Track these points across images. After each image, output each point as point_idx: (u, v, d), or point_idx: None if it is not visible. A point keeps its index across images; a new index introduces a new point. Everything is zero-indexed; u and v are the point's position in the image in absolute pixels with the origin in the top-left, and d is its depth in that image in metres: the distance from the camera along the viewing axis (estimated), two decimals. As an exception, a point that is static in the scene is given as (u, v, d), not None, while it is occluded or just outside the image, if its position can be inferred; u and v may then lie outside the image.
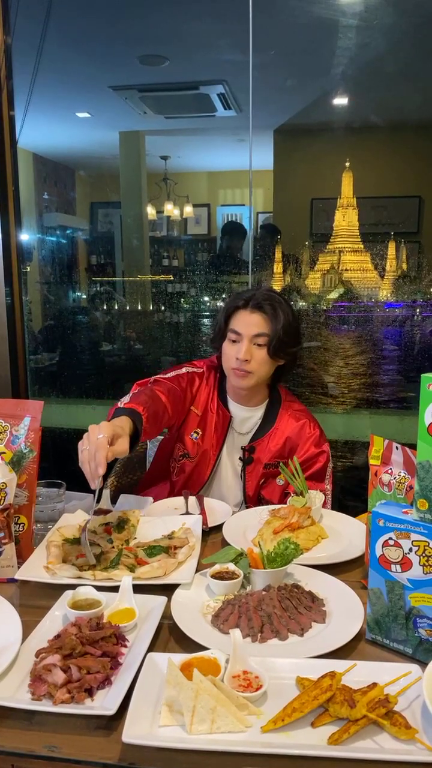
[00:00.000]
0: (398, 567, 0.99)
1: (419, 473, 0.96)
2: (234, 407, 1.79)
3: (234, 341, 1.69)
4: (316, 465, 1.70)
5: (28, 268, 3.43)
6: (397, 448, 1.17)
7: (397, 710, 0.84)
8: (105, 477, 1.33)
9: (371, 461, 1.20)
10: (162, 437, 1.90)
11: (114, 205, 4.23)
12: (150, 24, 2.89)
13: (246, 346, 1.65)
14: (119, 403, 1.56)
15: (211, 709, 0.82)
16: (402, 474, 1.15)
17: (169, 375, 1.78)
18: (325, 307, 3.42)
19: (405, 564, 0.98)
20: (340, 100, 3.21)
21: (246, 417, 1.78)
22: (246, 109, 2.90)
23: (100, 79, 3.38)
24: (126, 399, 1.58)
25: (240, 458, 1.77)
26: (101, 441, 1.29)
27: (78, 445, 1.32)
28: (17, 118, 2.58)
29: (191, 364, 1.87)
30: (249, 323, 1.67)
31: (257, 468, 1.75)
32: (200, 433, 1.79)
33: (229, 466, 1.80)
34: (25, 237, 3.19)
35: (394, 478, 1.16)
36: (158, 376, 1.77)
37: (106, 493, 1.53)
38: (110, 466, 1.34)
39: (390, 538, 0.99)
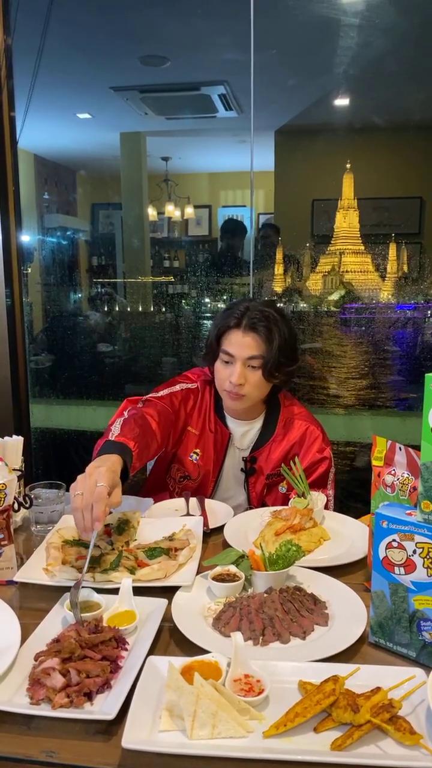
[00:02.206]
0: (402, 569, 0.97)
1: (423, 474, 0.95)
2: (232, 423, 1.74)
3: (227, 362, 1.61)
4: (318, 470, 1.67)
5: (29, 270, 3.43)
6: (400, 449, 1.15)
7: (401, 715, 0.83)
8: None
9: (374, 462, 1.19)
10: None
11: (115, 206, 4.22)
12: (151, 24, 2.88)
13: (239, 369, 1.57)
14: (110, 434, 1.43)
15: (212, 714, 0.81)
16: (405, 475, 1.14)
17: (161, 393, 1.70)
18: (326, 309, 3.41)
19: (409, 566, 0.97)
20: (342, 100, 3.20)
21: (245, 431, 1.74)
22: (246, 110, 2.89)
23: (100, 80, 3.37)
24: (116, 429, 1.45)
25: (242, 469, 1.74)
26: (101, 492, 1.17)
27: (70, 487, 1.21)
28: (17, 118, 2.57)
29: (185, 377, 1.80)
30: (242, 345, 1.58)
31: (260, 479, 1.72)
32: (200, 453, 1.73)
33: (232, 480, 1.76)
34: (26, 238, 3.18)
35: (398, 479, 1.15)
36: (150, 395, 1.69)
37: None
38: None
39: (393, 540, 0.97)
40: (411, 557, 0.96)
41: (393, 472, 1.16)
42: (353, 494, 2.61)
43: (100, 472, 1.20)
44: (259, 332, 1.58)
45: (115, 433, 1.42)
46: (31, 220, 3.79)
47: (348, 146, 3.29)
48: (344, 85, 3.06)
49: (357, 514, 1.52)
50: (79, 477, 1.22)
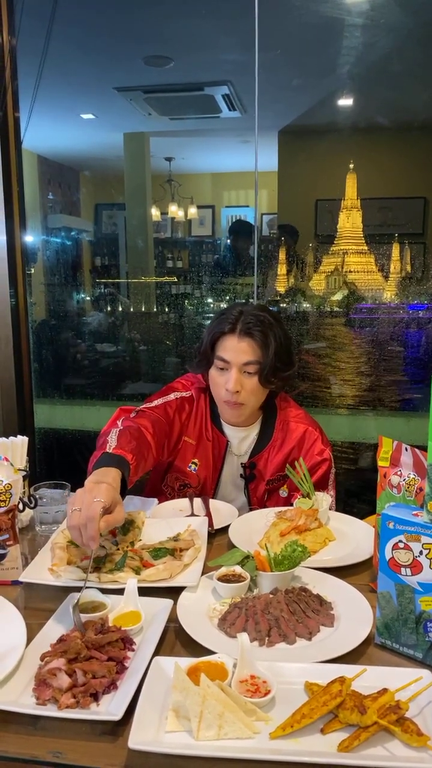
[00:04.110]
0: (408, 570, 0.97)
1: (430, 475, 0.95)
2: (229, 430, 1.71)
3: (222, 369, 1.58)
4: (318, 472, 1.66)
5: (32, 270, 3.43)
6: (406, 449, 1.15)
7: (408, 717, 0.82)
8: None
9: (380, 463, 1.19)
10: None
11: (118, 206, 4.23)
12: (154, 25, 2.89)
13: (235, 375, 1.55)
14: (107, 446, 1.37)
15: (218, 715, 0.81)
16: (411, 476, 1.13)
17: (155, 403, 1.67)
18: (329, 309, 3.41)
19: (415, 567, 0.96)
20: (346, 100, 3.20)
21: (242, 437, 1.71)
22: (250, 110, 2.89)
23: (104, 81, 3.37)
24: (113, 441, 1.38)
25: (241, 475, 1.72)
26: (94, 510, 1.12)
27: (68, 501, 1.17)
28: (22, 119, 2.58)
29: (179, 384, 1.77)
30: (238, 351, 1.55)
31: (260, 484, 1.70)
32: (198, 463, 1.71)
33: (230, 486, 1.75)
34: (30, 238, 3.18)
35: (404, 480, 1.14)
36: (144, 405, 1.66)
37: None
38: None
39: (400, 541, 0.97)
40: (417, 558, 0.96)
41: (399, 473, 1.15)
42: (357, 495, 2.61)
43: (101, 489, 1.16)
44: (255, 337, 1.55)
45: (112, 445, 1.37)
46: (34, 220, 3.80)
47: (352, 146, 3.28)
48: (348, 85, 3.06)
49: (361, 515, 1.52)
50: (78, 491, 1.18)
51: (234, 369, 1.56)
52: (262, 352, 1.56)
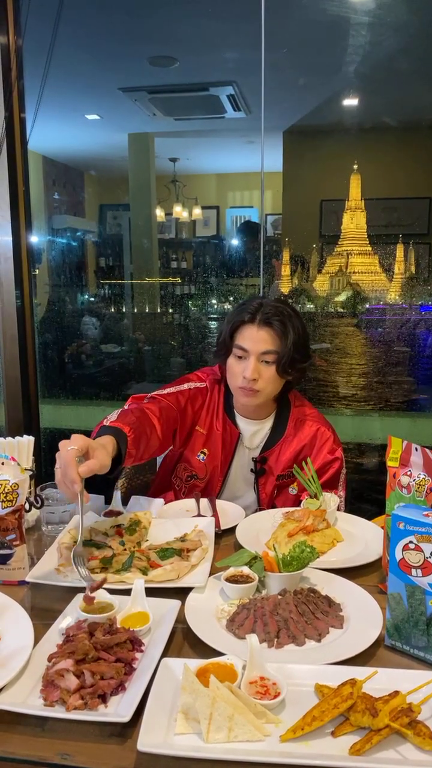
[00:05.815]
0: (419, 571, 0.96)
1: (441, 475, 0.94)
2: (242, 422, 1.71)
3: (240, 357, 1.60)
4: (329, 471, 1.65)
5: (37, 270, 3.43)
6: (416, 449, 1.14)
7: (420, 720, 0.81)
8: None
9: (389, 463, 1.18)
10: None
11: (123, 207, 4.24)
12: (159, 25, 2.89)
13: (253, 364, 1.56)
14: (105, 420, 1.41)
15: (228, 717, 0.80)
16: (422, 476, 1.12)
17: (167, 391, 1.68)
18: (334, 310, 3.40)
19: (426, 568, 0.95)
20: (351, 100, 3.19)
21: (255, 431, 1.71)
22: (255, 111, 2.88)
23: (109, 81, 3.38)
24: (113, 416, 1.44)
25: (252, 470, 1.71)
26: (69, 456, 1.14)
27: (55, 467, 1.20)
28: (27, 120, 2.57)
29: (195, 375, 1.78)
30: (257, 340, 1.57)
31: (270, 480, 1.70)
32: (207, 453, 1.71)
33: (240, 480, 1.74)
34: (35, 239, 3.18)
35: (414, 480, 1.13)
36: (156, 392, 1.67)
37: (117, 494, 1.52)
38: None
39: (411, 542, 0.96)
40: (429, 559, 0.95)
41: (409, 473, 1.14)
42: (362, 496, 2.59)
43: (73, 439, 1.18)
44: (274, 327, 1.57)
45: (111, 419, 1.40)
46: (39, 221, 3.80)
47: (357, 146, 3.28)
48: (354, 85, 3.05)
49: (367, 516, 1.51)
50: (56, 454, 1.20)
51: (252, 357, 1.57)
52: (281, 342, 1.57)
